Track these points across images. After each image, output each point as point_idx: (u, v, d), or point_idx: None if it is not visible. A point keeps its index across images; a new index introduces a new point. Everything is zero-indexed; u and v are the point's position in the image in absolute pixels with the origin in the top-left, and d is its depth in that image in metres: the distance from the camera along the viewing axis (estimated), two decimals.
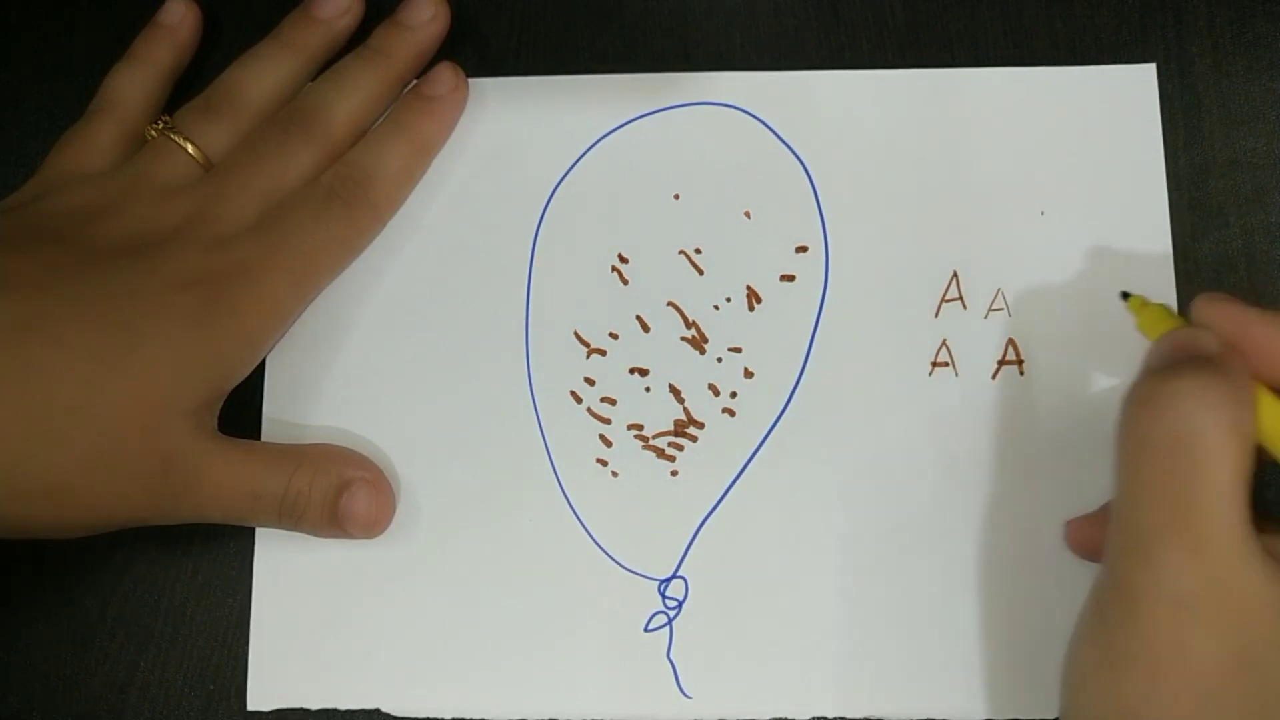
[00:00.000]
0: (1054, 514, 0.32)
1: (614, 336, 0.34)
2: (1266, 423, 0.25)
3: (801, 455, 0.33)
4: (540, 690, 0.32)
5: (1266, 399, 0.26)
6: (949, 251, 0.34)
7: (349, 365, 0.34)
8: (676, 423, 0.33)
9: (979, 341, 0.33)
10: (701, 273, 0.34)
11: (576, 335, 0.34)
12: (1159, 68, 0.35)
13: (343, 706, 0.32)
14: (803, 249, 0.34)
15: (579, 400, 0.33)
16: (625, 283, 0.34)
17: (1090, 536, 0.30)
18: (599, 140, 0.35)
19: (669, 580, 0.32)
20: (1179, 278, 0.33)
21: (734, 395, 0.33)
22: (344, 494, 0.31)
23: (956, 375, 0.33)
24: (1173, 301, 0.33)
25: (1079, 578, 0.32)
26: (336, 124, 0.33)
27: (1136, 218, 0.34)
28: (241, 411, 0.33)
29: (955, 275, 0.34)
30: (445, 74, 0.34)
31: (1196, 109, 0.34)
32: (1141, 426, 0.25)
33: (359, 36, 0.35)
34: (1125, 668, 0.24)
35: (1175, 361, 0.26)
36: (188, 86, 0.35)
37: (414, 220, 0.35)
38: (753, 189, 0.34)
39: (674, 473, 0.33)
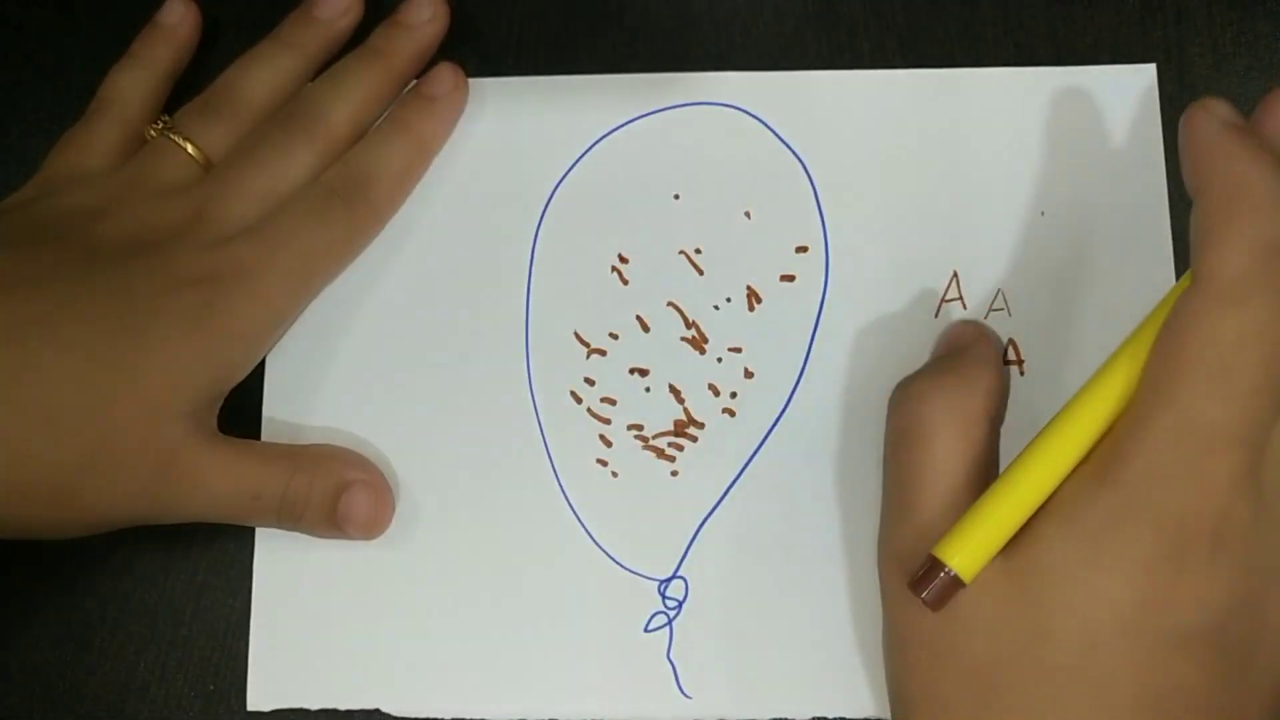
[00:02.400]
0: None
1: (614, 336, 0.34)
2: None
3: (801, 455, 0.33)
4: (540, 690, 0.32)
5: None
6: (949, 251, 0.34)
7: (349, 365, 0.34)
8: (676, 423, 0.33)
9: None
10: (701, 273, 0.34)
11: (576, 335, 0.34)
12: (1159, 68, 0.35)
13: (343, 706, 0.32)
14: (803, 249, 0.34)
15: (579, 400, 0.33)
16: (625, 283, 0.34)
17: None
18: (599, 140, 0.35)
19: (669, 580, 0.32)
20: (1179, 278, 0.33)
21: (734, 395, 0.33)
22: (343, 495, 0.31)
23: None
24: None
25: None
26: (336, 124, 0.33)
27: (1136, 218, 0.34)
28: (241, 411, 0.33)
29: (955, 275, 0.34)
30: (445, 74, 0.34)
31: None
32: (889, 423, 0.29)
33: (359, 36, 0.35)
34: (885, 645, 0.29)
35: (932, 358, 0.32)
36: (188, 86, 0.35)
37: (414, 220, 0.35)
38: (753, 189, 0.34)
39: (674, 473, 0.33)
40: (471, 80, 0.35)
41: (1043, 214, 0.34)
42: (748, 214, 0.34)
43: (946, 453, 0.27)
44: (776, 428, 0.33)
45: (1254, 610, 0.25)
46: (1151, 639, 0.24)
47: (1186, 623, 0.24)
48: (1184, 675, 0.24)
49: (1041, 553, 0.25)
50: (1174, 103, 0.34)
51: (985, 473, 0.28)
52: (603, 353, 0.34)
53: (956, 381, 0.29)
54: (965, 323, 0.32)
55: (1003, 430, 0.32)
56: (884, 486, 0.29)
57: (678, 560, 0.32)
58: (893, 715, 0.28)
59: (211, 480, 0.30)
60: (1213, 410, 0.24)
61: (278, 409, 0.34)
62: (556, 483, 0.33)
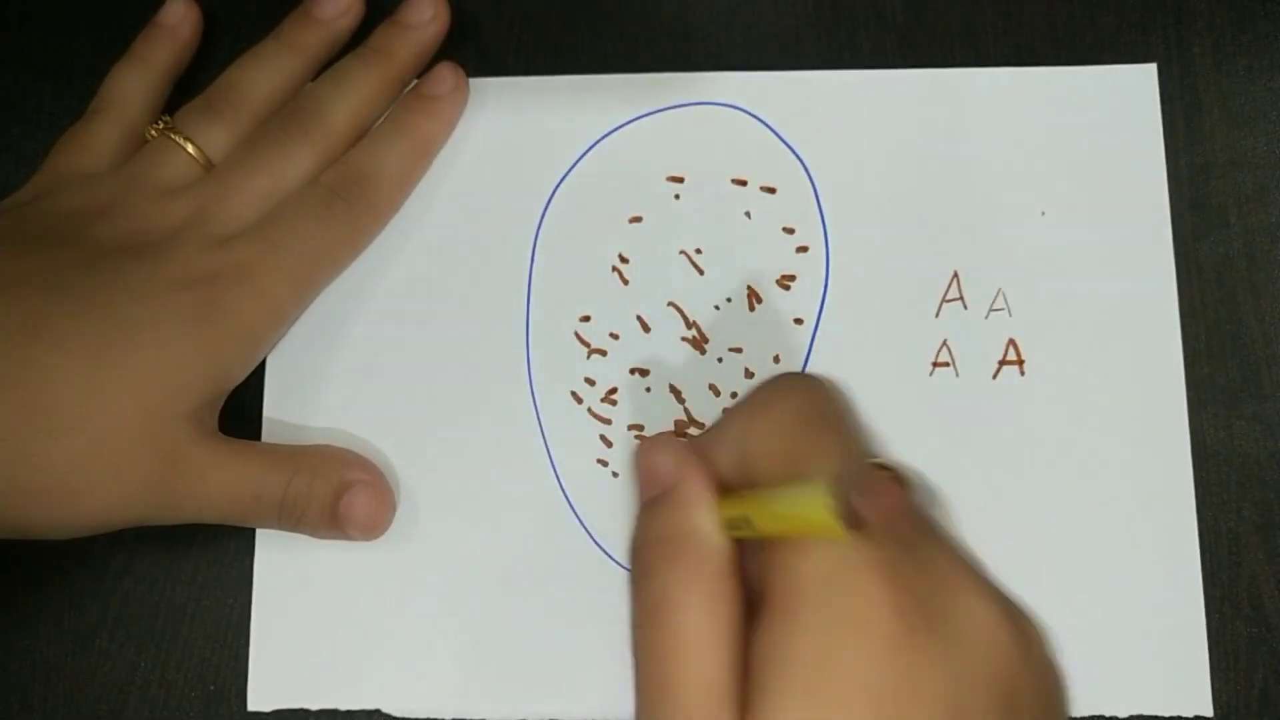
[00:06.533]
0: (1053, 514, 0.32)
1: (614, 337, 0.34)
2: (726, 518, 0.25)
3: None
4: (540, 690, 0.32)
5: (722, 504, 0.25)
6: (949, 251, 0.34)
7: (349, 365, 0.34)
8: (677, 423, 0.33)
9: (979, 341, 0.33)
10: (701, 273, 0.34)
11: (576, 335, 0.34)
12: (1159, 68, 0.35)
13: (343, 706, 0.32)
14: (803, 249, 0.34)
15: (579, 400, 0.33)
16: (625, 283, 0.34)
17: None
18: (599, 140, 0.35)
19: None
20: (1179, 278, 0.33)
21: (734, 395, 0.33)
22: (344, 496, 0.31)
23: (957, 375, 0.33)
24: (1174, 302, 0.33)
25: (1079, 578, 0.32)
26: (337, 124, 0.33)
27: (1136, 218, 0.34)
28: (241, 412, 0.33)
29: (955, 275, 0.34)
30: (445, 74, 0.34)
31: (1196, 109, 0.34)
32: (630, 591, 0.25)
33: (359, 36, 0.35)
34: None
35: (646, 511, 0.26)
36: (188, 86, 0.35)
37: (414, 220, 0.35)
38: (753, 189, 0.34)
39: None
40: (472, 80, 0.35)
41: (1043, 214, 0.34)
42: (748, 214, 0.34)
43: (695, 634, 0.23)
44: None
45: (963, 680, 0.23)
46: None
47: (932, 690, 0.22)
48: None
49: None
50: (1174, 103, 0.34)
51: (739, 633, 0.24)
52: (603, 353, 0.34)
53: (677, 543, 0.25)
54: (657, 448, 0.26)
55: (1001, 433, 0.32)
56: (634, 672, 0.25)
57: None
58: None
59: (212, 481, 0.30)
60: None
61: (278, 409, 0.34)
62: (556, 483, 0.33)
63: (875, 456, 0.27)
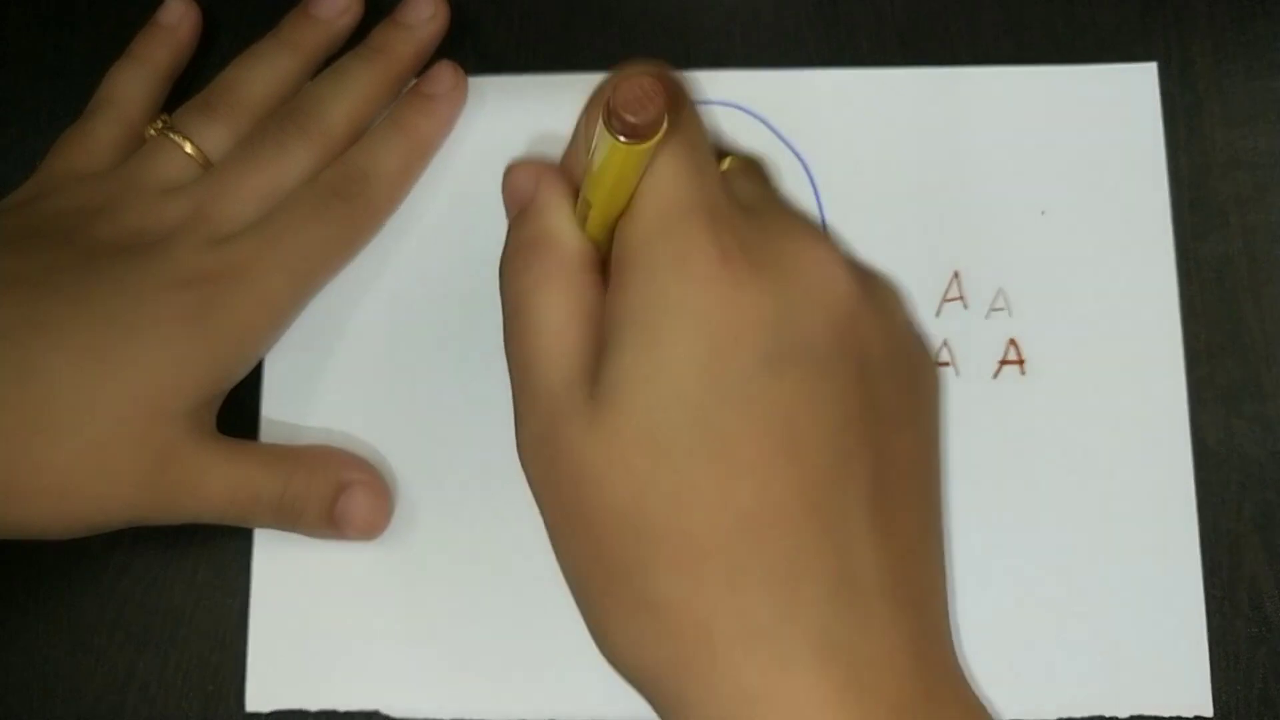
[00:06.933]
0: (1053, 514, 0.32)
1: None
2: (580, 215, 0.27)
3: None
4: (540, 690, 0.32)
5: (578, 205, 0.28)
6: (949, 251, 0.34)
7: (348, 365, 0.34)
8: None
9: (979, 341, 0.33)
10: None
11: None
12: (1160, 67, 0.35)
13: (342, 707, 0.32)
14: None
15: None
16: None
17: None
18: None
19: None
20: (1179, 278, 0.33)
21: None
22: (341, 496, 0.31)
23: (957, 375, 0.33)
24: (1174, 302, 0.33)
25: (1078, 578, 0.32)
26: (335, 123, 0.33)
27: (1137, 218, 0.34)
28: (240, 412, 0.33)
29: (955, 275, 0.34)
30: (444, 73, 0.34)
31: (1197, 109, 0.34)
32: (501, 301, 0.28)
33: (358, 36, 0.35)
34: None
35: (511, 226, 0.29)
36: (187, 86, 0.35)
37: (413, 219, 0.35)
38: None
39: None
40: (471, 79, 0.35)
41: (1043, 214, 0.34)
42: None
43: (552, 320, 0.26)
44: None
45: (793, 306, 0.25)
46: (743, 376, 0.24)
47: (763, 344, 0.24)
48: (785, 392, 0.24)
49: (612, 370, 0.25)
50: (1174, 102, 0.34)
51: (598, 320, 0.26)
52: None
53: (534, 245, 0.27)
54: (516, 169, 0.29)
55: (1003, 435, 0.32)
56: (508, 370, 0.28)
57: None
58: (579, 606, 0.27)
59: (210, 481, 0.30)
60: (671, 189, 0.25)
61: (276, 409, 0.34)
62: None
63: (729, 154, 0.31)
